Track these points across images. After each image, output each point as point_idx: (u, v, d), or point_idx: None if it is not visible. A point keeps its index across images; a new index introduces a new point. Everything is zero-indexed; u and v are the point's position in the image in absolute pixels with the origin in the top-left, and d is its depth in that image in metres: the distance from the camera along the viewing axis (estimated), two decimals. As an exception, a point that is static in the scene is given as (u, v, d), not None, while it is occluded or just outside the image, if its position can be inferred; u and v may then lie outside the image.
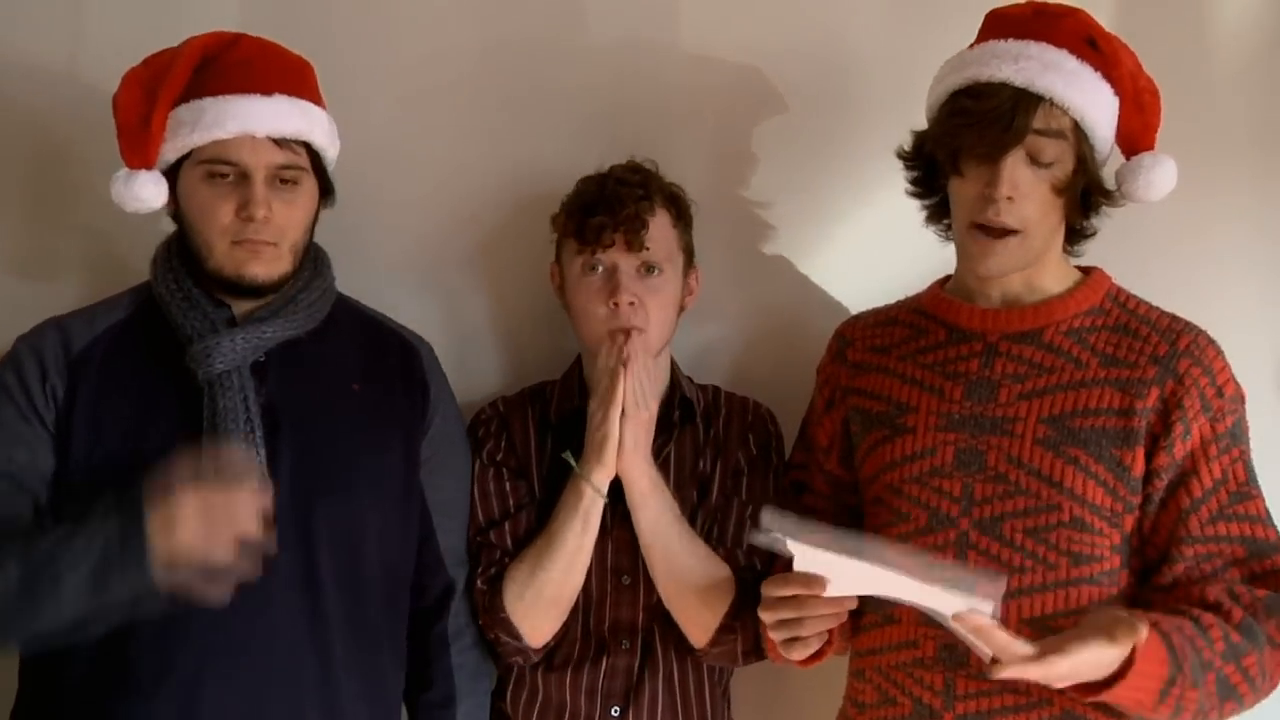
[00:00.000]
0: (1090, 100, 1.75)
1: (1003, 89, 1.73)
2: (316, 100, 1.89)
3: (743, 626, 1.93)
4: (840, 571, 1.66)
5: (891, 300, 2.01)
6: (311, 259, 1.92)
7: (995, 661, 1.61)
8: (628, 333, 1.93)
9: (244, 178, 1.80)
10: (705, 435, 2.08)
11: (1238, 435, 1.78)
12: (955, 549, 1.79)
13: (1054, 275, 1.85)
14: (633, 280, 1.99)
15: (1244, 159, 2.16)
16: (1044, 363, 1.81)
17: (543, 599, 1.95)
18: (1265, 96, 2.16)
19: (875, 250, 2.21)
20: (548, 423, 2.08)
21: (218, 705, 1.77)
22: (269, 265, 1.83)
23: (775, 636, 1.79)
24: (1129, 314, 1.84)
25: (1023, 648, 1.59)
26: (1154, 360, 1.78)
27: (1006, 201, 1.75)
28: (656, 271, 2.00)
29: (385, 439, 1.92)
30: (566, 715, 2.00)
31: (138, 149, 1.82)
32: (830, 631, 1.79)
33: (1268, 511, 1.79)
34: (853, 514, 1.97)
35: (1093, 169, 1.79)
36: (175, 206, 1.86)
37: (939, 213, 1.90)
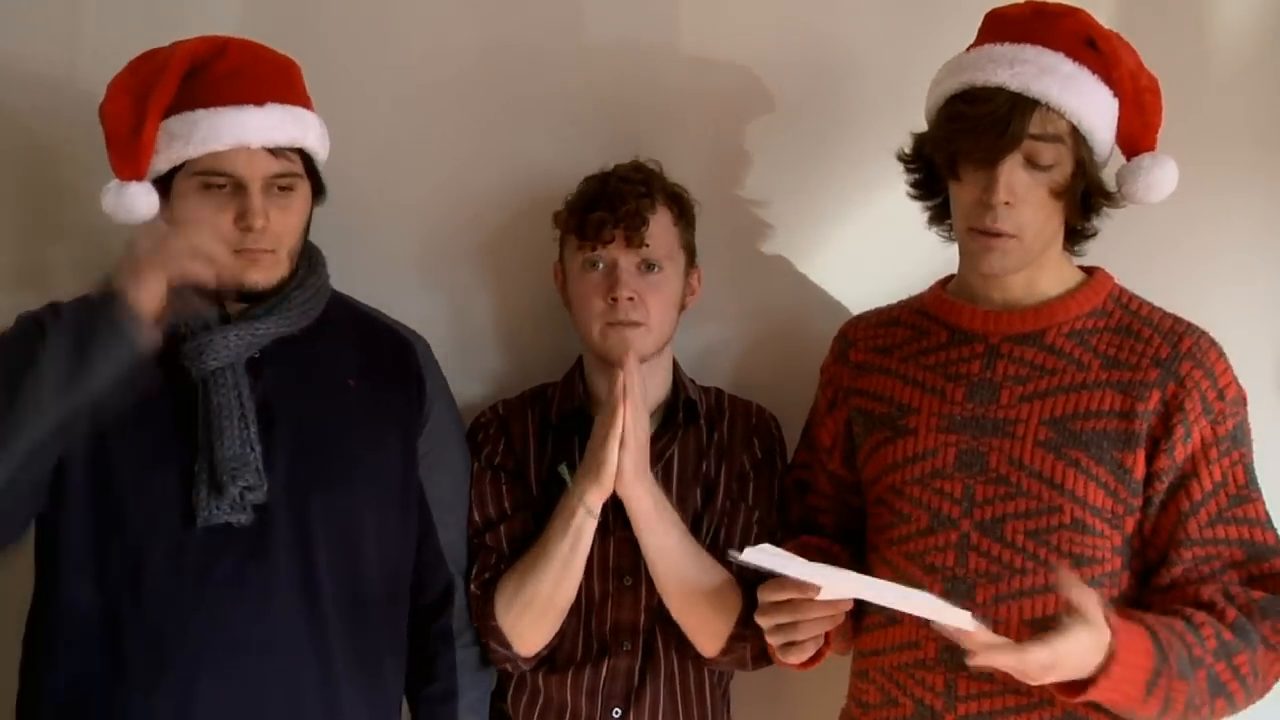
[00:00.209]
0: (1088, 103, 1.74)
1: (998, 94, 1.72)
2: (306, 103, 1.89)
3: (753, 634, 1.92)
4: (829, 579, 1.67)
5: (893, 300, 2.01)
6: (306, 258, 1.92)
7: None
8: (627, 362, 1.91)
9: (240, 188, 1.81)
10: (708, 437, 2.08)
11: (1238, 438, 1.78)
12: (956, 550, 1.79)
13: (1055, 276, 1.85)
14: (633, 276, 1.99)
15: (1245, 158, 2.15)
16: (1045, 365, 1.81)
17: (531, 610, 1.96)
18: (1266, 96, 2.15)
19: (877, 250, 2.21)
20: (549, 423, 2.08)
21: (215, 703, 1.77)
22: (268, 271, 1.84)
23: (771, 641, 1.80)
24: (1131, 315, 1.83)
25: (999, 638, 1.60)
26: (1155, 362, 1.78)
27: (1004, 207, 1.74)
28: (657, 269, 2.01)
29: (382, 435, 1.92)
30: (567, 716, 2.01)
31: (128, 160, 1.81)
32: (826, 635, 1.80)
33: (1268, 514, 1.78)
34: (856, 514, 1.98)
35: (1092, 172, 1.78)
36: (169, 215, 1.85)
37: (941, 214, 1.90)
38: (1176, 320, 1.82)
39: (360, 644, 1.87)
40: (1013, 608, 1.75)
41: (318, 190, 1.92)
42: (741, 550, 1.66)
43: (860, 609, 1.83)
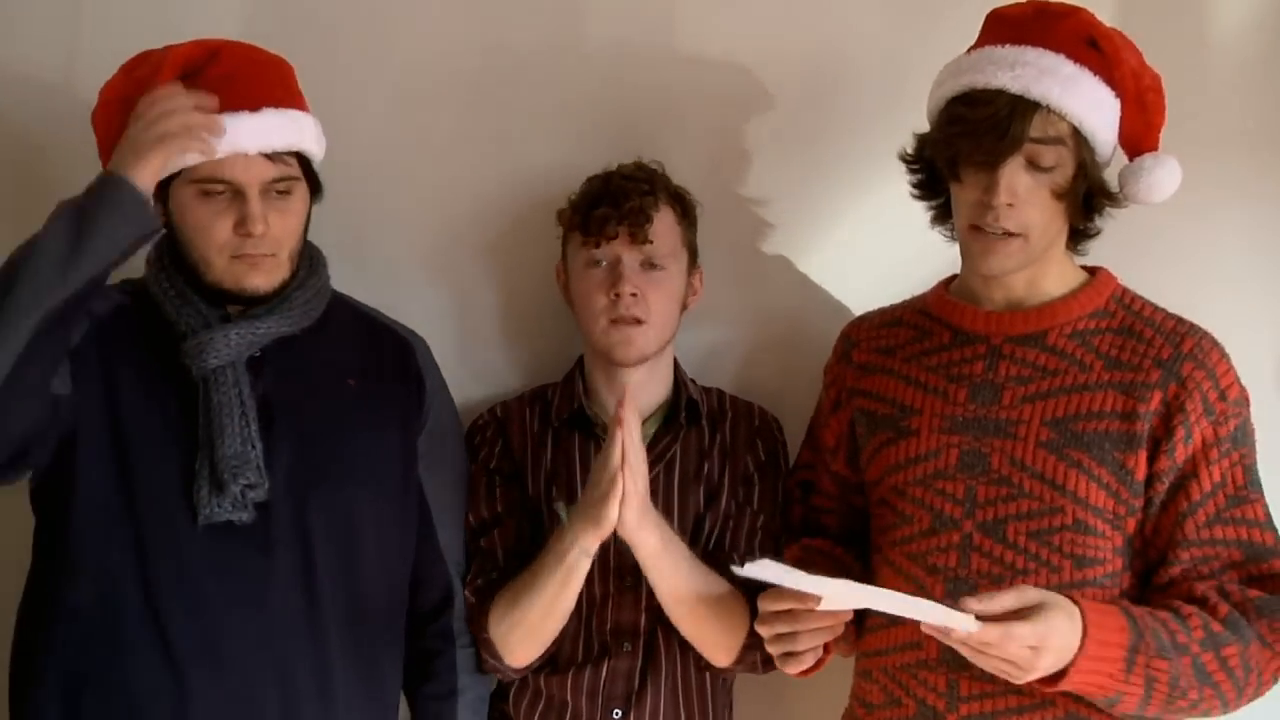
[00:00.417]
0: (1089, 105, 1.74)
1: (999, 96, 1.72)
2: (301, 104, 1.88)
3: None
4: (830, 589, 1.66)
5: (896, 300, 2.01)
6: (307, 258, 1.92)
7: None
8: (625, 417, 1.85)
9: (238, 194, 1.81)
10: (710, 438, 2.08)
11: (1239, 439, 1.78)
12: (958, 551, 1.79)
13: (1058, 277, 1.85)
14: (635, 273, 2.00)
15: (1246, 158, 2.15)
16: (1047, 365, 1.81)
17: (521, 629, 1.95)
18: (1268, 95, 2.15)
19: (879, 250, 2.21)
20: (549, 424, 2.09)
21: (213, 697, 1.78)
22: (269, 275, 1.85)
23: (770, 650, 1.81)
24: (1133, 316, 1.83)
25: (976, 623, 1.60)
26: (1157, 363, 1.78)
27: (1006, 208, 1.74)
28: (659, 266, 2.02)
29: (382, 433, 1.93)
30: (568, 717, 2.01)
31: None
32: (825, 644, 1.80)
33: (1268, 515, 1.78)
34: (859, 515, 1.98)
35: (1094, 172, 1.78)
36: (165, 219, 1.85)
37: (944, 214, 1.90)
38: (1179, 321, 1.82)
39: (359, 641, 1.88)
40: (1014, 608, 1.75)
41: (315, 190, 1.92)
42: (744, 560, 1.66)
43: (864, 609, 1.82)
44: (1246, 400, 1.80)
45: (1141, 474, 1.76)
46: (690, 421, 2.08)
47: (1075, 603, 1.64)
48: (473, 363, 2.23)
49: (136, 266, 1.91)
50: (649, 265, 2.01)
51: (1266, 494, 1.80)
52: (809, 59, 2.20)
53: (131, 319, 1.86)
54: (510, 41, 2.22)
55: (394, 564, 1.94)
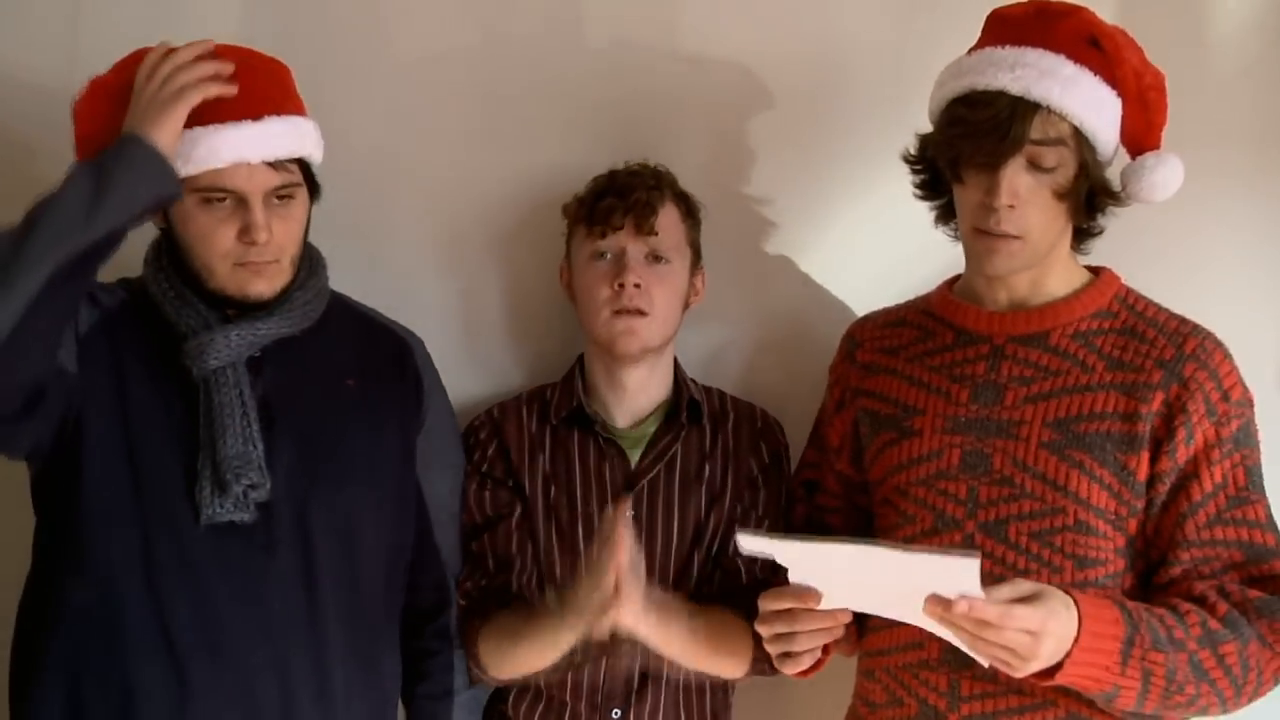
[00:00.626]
0: (1089, 105, 1.74)
1: (999, 98, 1.72)
2: (300, 109, 1.88)
3: None
4: (826, 564, 1.66)
5: (899, 300, 2.01)
6: (307, 260, 1.92)
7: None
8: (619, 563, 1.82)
9: (241, 202, 1.81)
10: (713, 439, 2.08)
11: (1241, 440, 1.77)
12: (961, 552, 1.79)
13: (1061, 277, 1.85)
14: (640, 265, 2.01)
15: (1247, 157, 2.15)
16: (1050, 366, 1.81)
17: (509, 667, 1.97)
18: (1269, 95, 2.15)
19: (882, 250, 2.21)
20: (548, 422, 2.09)
21: (212, 693, 1.79)
22: (272, 281, 1.85)
23: (769, 649, 1.80)
24: (1137, 316, 1.83)
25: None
26: (1159, 364, 1.77)
27: (1007, 209, 1.74)
28: (664, 260, 2.02)
29: (381, 433, 1.93)
30: (567, 717, 2.01)
31: None
32: (824, 646, 1.80)
33: (1269, 516, 1.78)
34: (864, 515, 1.98)
35: (1095, 172, 1.78)
36: (165, 222, 1.86)
37: (947, 213, 1.90)
38: (1182, 321, 1.82)
39: (359, 639, 1.88)
40: (1016, 609, 1.75)
41: (314, 192, 1.92)
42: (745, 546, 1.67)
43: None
44: (1250, 401, 1.80)
45: (1143, 475, 1.76)
46: (691, 421, 2.08)
47: (1070, 595, 1.64)
48: (476, 361, 2.23)
49: (135, 266, 1.91)
50: (653, 258, 2.02)
51: (1269, 494, 1.79)
52: (811, 59, 2.20)
53: (136, 316, 1.87)
54: (514, 42, 2.22)
55: (393, 563, 1.95)
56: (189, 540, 1.79)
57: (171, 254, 1.87)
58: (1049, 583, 1.71)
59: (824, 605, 1.69)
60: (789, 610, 1.73)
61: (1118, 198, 1.81)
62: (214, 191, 1.80)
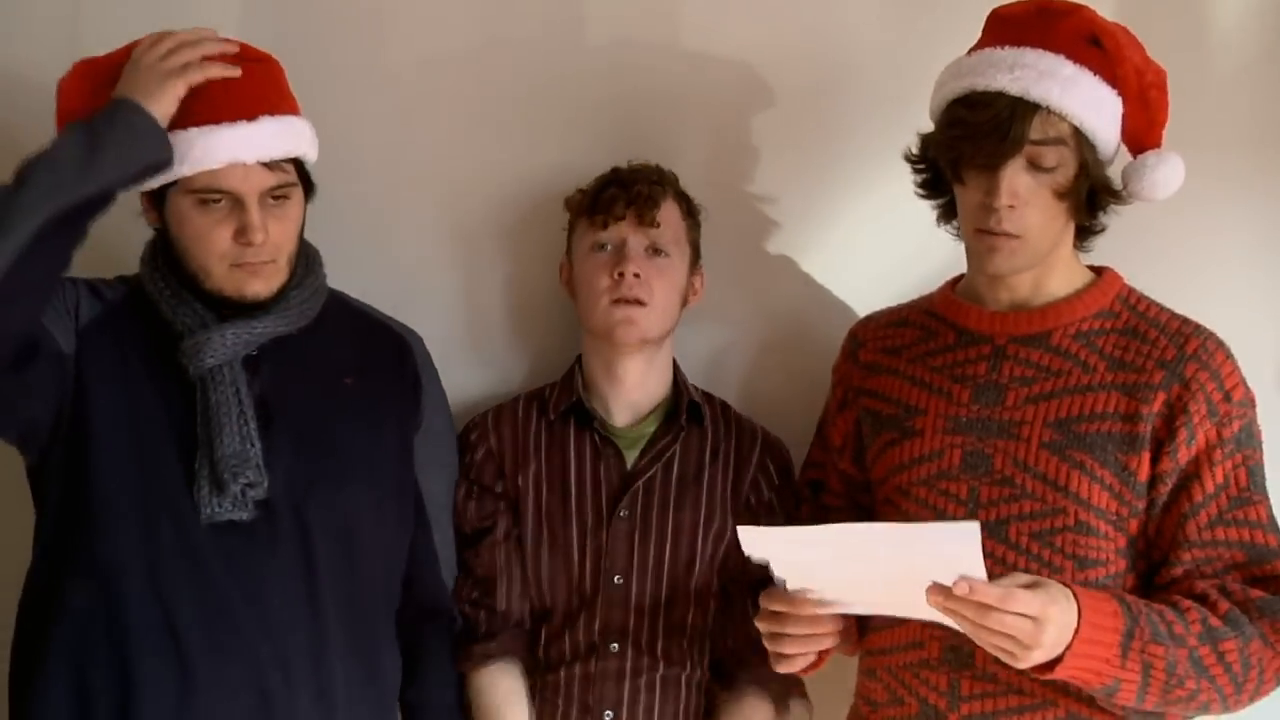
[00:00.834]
0: (1089, 104, 1.73)
1: (999, 99, 1.72)
2: (294, 108, 1.88)
3: None
4: (825, 555, 1.65)
5: (900, 300, 2.01)
6: (303, 258, 1.92)
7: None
8: None
9: (237, 203, 1.81)
10: (714, 448, 2.08)
11: (1243, 440, 1.77)
12: (961, 552, 1.79)
13: (1063, 277, 1.84)
14: (640, 255, 2.02)
15: (1248, 157, 2.14)
16: (1051, 366, 1.81)
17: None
18: (1269, 95, 2.15)
19: (883, 250, 2.21)
20: (546, 419, 2.09)
21: (216, 691, 1.79)
22: (269, 281, 1.85)
23: (766, 646, 1.81)
24: (1138, 317, 1.83)
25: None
26: (1161, 365, 1.77)
27: (1008, 210, 1.74)
28: (664, 253, 2.04)
29: (379, 431, 1.94)
30: (559, 718, 2.01)
31: None
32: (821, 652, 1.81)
33: (1271, 517, 1.77)
34: (867, 514, 1.98)
35: (1096, 172, 1.77)
36: (159, 222, 1.86)
37: (949, 212, 1.89)
38: (1184, 322, 1.81)
39: (359, 636, 1.89)
40: (1019, 609, 1.75)
41: (308, 191, 1.92)
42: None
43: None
44: (1252, 401, 1.80)
45: (1144, 475, 1.76)
46: (692, 423, 2.08)
47: (1069, 588, 1.64)
48: (478, 360, 2.24)
49: (133, 266, 1.92)
50: (654, 251, 2.03)
51: (1270, 495, 1.79)
52: (812, 59, 2.20)
53: (136, 313, 1.87)
54: (516, 41, 2.22)
55: (392, 561, 1.95)
56: (191, 537, 1.79)
57: (167, 254, 1.87)
58: (1050, 583, 1.73)
59: (823, 607, 1.69)
60: (781, 612, 1.74)
61: (1119, 196, 1.81)
62: (209, 193, 1.80)
